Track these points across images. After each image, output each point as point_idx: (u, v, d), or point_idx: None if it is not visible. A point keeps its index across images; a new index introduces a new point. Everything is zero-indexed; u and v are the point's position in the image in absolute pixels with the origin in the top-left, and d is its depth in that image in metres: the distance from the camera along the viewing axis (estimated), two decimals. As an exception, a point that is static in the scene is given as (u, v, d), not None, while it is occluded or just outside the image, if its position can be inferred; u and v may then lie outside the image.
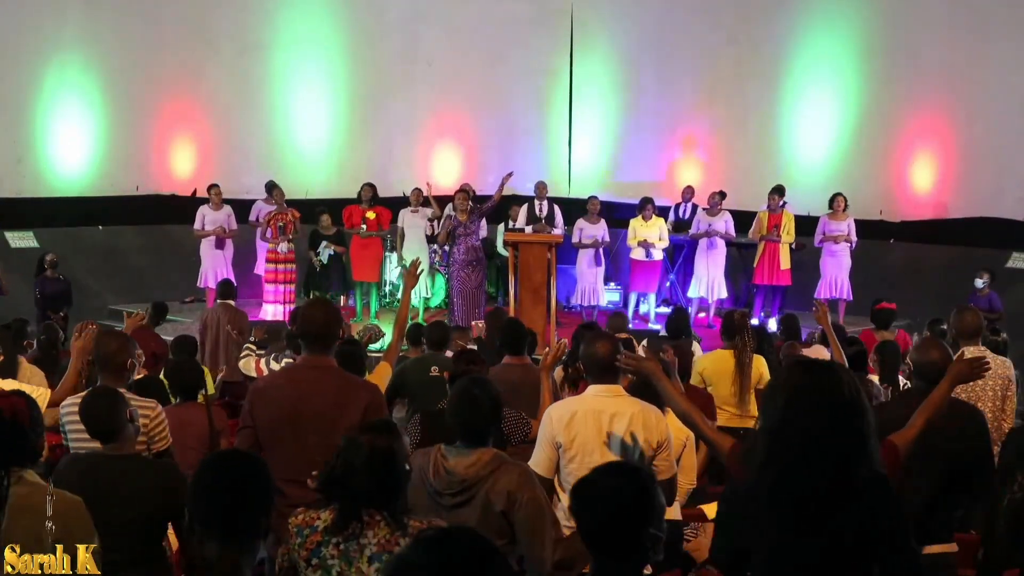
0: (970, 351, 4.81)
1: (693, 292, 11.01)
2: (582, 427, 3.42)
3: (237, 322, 8.26)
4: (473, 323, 9.22)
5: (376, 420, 2.69)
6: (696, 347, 6.89)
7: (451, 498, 2.92)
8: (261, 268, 10.89)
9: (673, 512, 3.94)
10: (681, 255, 11.49)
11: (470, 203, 9.96)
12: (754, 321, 8.81)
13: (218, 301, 8.84)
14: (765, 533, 2.30)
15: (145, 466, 3.07)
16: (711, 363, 5.80)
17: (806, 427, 2.26)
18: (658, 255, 10.70)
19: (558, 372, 5.63)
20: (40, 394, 3.88)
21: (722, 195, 11.04)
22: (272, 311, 10.21)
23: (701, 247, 10.88)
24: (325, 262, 10.95)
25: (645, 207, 10.64)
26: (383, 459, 2.50)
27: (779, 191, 10.89)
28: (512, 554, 2.98)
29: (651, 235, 10.58)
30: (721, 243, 10.90)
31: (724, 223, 10.87)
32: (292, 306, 10.19)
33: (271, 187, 10.93)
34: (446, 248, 10.38)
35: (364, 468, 2.48)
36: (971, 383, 4.68)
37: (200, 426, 4.51)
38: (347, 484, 2.49)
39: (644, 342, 6.61)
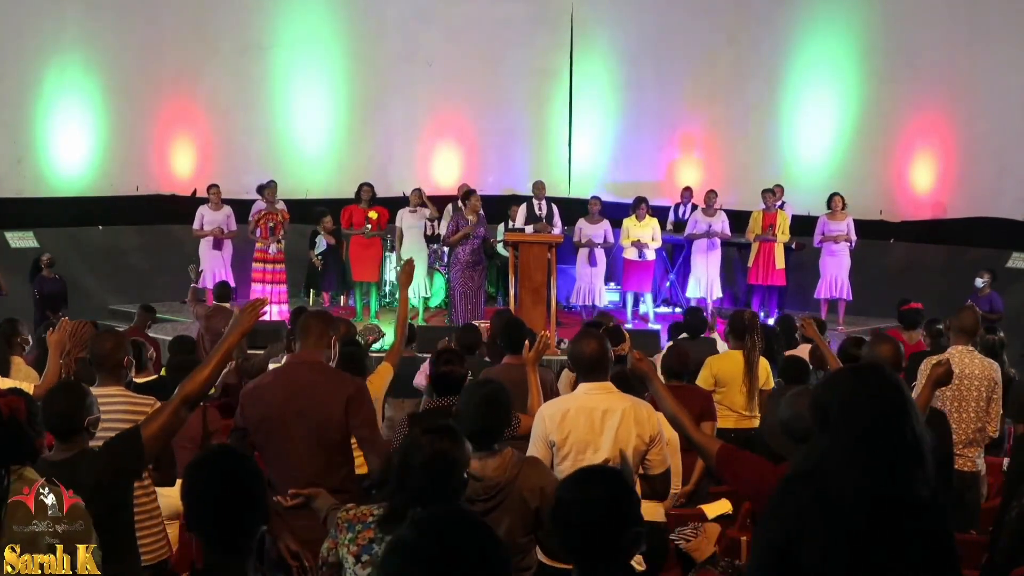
0: (958, 350, 4.83)
1: (691, 292, 11.00)
2: (574, 425, 3.43)
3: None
4: (476, 324, 9.20)
5: (441, 423, 2.62)
6: (721, 345, 6.75)
7: (483, 504, 2.87)
8: (258, 268, 10.84)
9: (657, 514, 3.92)
10: (681, 255, 11.48)
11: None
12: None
13: (215, 303, 8.79)
14: (822, 534, 2.17)
15: (92, 459, 2.89)
16: (724, 364, 5.68)
17: (896, 431, 2.17)
18: (651, 255, 10.67)
19: (566, 375, 5.57)
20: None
21: (713, 194, 11.05)
22: None
23: (700, 247, 10.86)
24: (322, 248, 10.92)
25: (638, 207, 10.61)
26: (442, 462, 2.47)
27: (773, 191, 10.90)
28: (530, 550, 3.00)
29: (644, 235, 10.55)
30: (719, 243, 10.90)
31: (722, 223, 10.87)
32: (281, 307, 10.16)
33: (263, 186, 10.64)
34: (446, 249, 10.37)
35: (421, 468, 2.46)
36: (957, 386, 4.71)
37: (193, 426, 4.50)
38: (403, 482, 2.48)
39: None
